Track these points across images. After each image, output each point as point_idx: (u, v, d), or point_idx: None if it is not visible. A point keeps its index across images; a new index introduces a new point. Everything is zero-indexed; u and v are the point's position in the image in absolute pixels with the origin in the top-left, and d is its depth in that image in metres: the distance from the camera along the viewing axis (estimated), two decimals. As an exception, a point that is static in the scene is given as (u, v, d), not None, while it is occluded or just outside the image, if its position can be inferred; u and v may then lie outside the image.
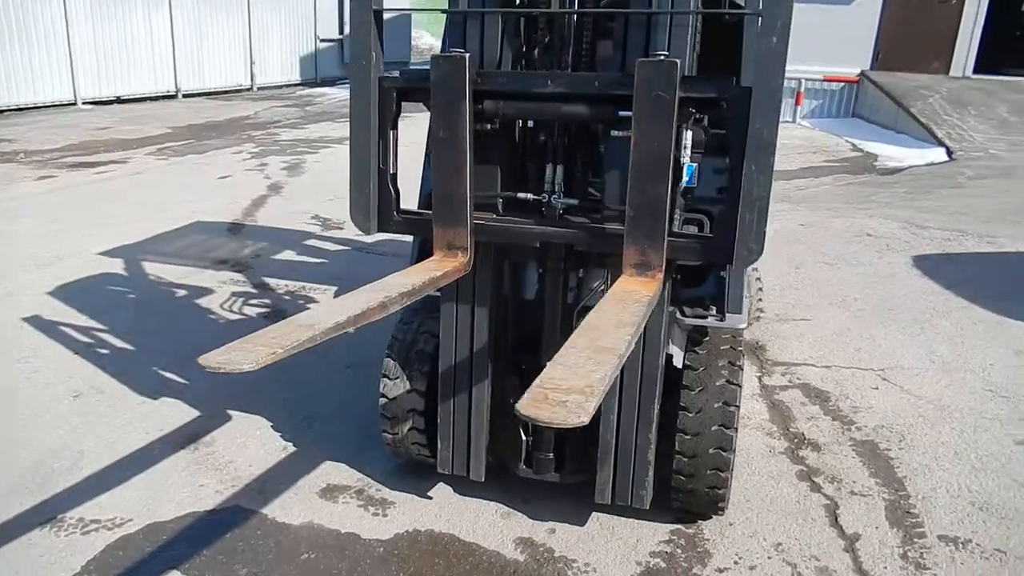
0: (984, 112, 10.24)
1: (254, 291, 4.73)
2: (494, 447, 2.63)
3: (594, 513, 2.64)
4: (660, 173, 2.03)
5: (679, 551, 2.48)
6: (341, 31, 19.37)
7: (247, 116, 12.77)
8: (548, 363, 1.45)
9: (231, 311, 4.40)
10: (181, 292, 4.66)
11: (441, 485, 2.80)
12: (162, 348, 3.88)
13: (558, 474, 2.58)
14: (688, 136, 2.14)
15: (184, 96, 14.91)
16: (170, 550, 2.47)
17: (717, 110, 2.11)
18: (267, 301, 4.56)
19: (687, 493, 2.47)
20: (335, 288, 4.78)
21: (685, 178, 2.20)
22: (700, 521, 2.60)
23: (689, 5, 2.12)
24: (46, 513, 2.62)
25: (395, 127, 2.35)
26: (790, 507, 2.70)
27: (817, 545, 2.50)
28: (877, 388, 3.58)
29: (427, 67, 2.42)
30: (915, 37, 12.61)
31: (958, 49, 12.53)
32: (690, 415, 2.38)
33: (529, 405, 1.25)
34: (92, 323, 4.17)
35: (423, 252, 2.78)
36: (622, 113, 2.10)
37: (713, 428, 2.37)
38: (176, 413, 3.29)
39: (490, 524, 2.61)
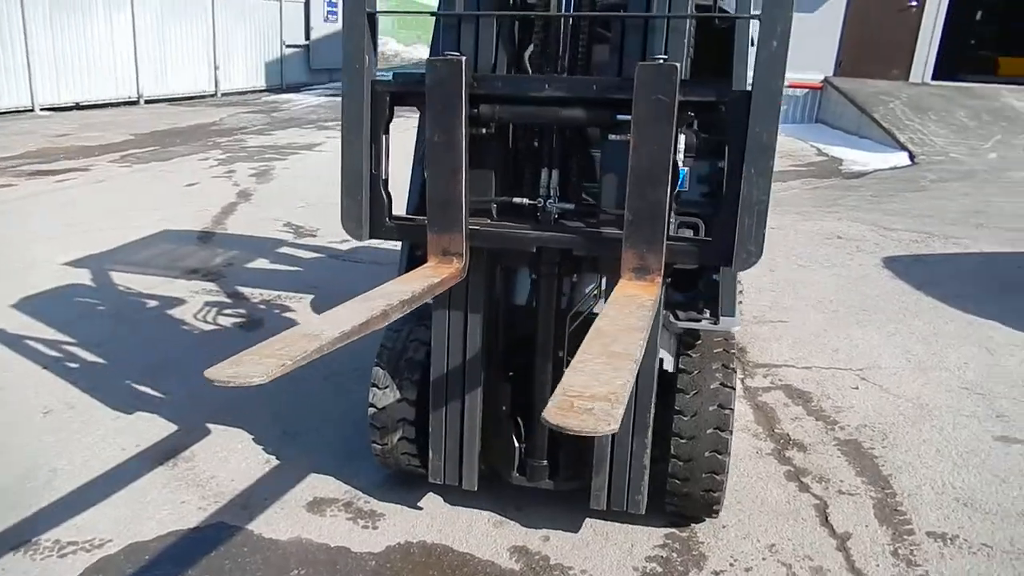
0: (944, 117, 10.50)
1: (228, 300, 4.64)
2: (485, 455, 2.60)
3: (587, 519, 2.63)
4: (659, 177, 2.02)
5: (674, 555, 2.47)
6: (307, 37, 19.23)
7: (212, 122, 12.57)
8: (567, 370, 1.43)
9: (205, 321, 4.31)
10: (152, 303, 4.55)
11: (431, 495, 2.76)
12: (135, 361, 3.78)
13: (552, 481, 2.56)
14: (681, 140, 2.14)
15: (146, 102, 14.64)
16: (153, 570, 2.39)
17: (714, 114, 2.11)
18: (242, 311, 4.47)
19: (682, 497, 2.47)
20: (311, 296, 4.71)
21: (678, 182, 2.20)
22: (693, 524, 2.60)
23: (684, 9, 2.12)
24: (19, 536, 2.52)
25: (387, 132, 2.31)
26: (780, 508, 2.72)
27: (810, 545, 2.52)
28: (857, 388, 3.62)
29: (416, 71, 2.39)
30: (876, 45, 12.90)
31: (917, 56, 12.84)
32: (685, 419, 2.38)
33: (556, 414, 1.23)
34: (60, 336, 4.04)
35: (412, 259, 2.75)
36: (620, 117, 2.09)
37: (708, 431, 2.37)
38: (153, 428, 3.19)
39: (483, 533, 2.58)
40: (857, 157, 9.59)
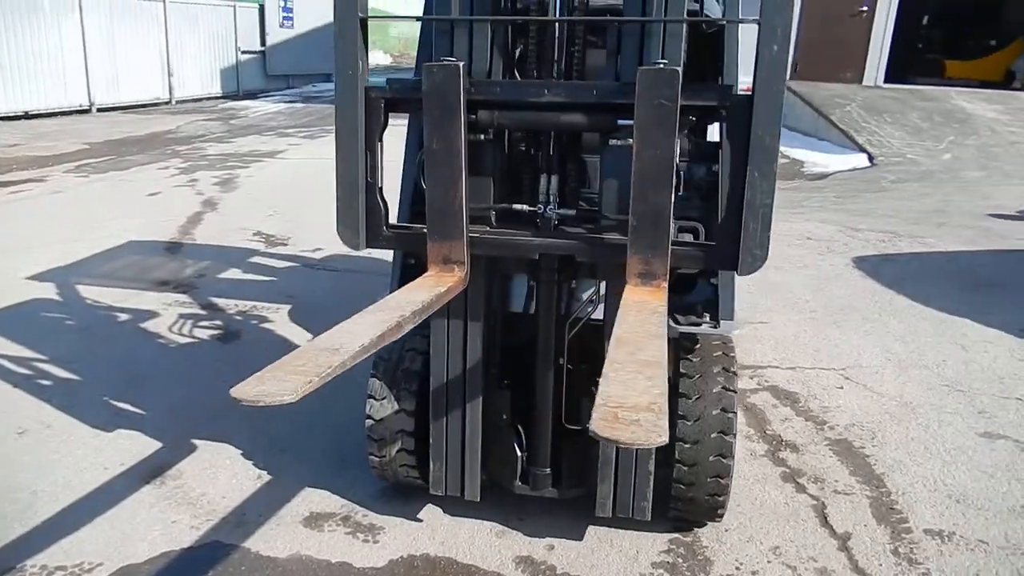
0: (899, 119, 10.78)
1: (202, 312, 4.52)
2: (486, 465, 2.56)
3: (590, 526, 2.61)
4: (663, 181, 2.02)
5: (680, 560, 2.46)
6: (263, 43, 18.95)
7: (169, 130, 12.30)
8: (601, 380, 1.41)
9: (181, 334, 4.19)
10: (124, 316, 4.41)
11: (429, 506, 2.71)
12: (110, 377, 3.65)
13: (556, 489, 2.54)
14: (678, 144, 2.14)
15: (99, 110, 14.26)
16: (149, 594, 2.31)
17: (715, 117, 2.12)
18: (218, 322, 4.36)
19: (687, 502, 2.46)
20: (288, 306, 4.62)
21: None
22: (696, 529, 2.60)
23: (680, 14, 2.12)
24: (3, 563, 2.41)
25: (382, 139, 2.27)
26: (780, 509, 2.73)
27: (812, 546, 2.54)
28: (842, 387, 3.68)
29: (406, 77, 2.36)
30: (829, 48, 13.19)
31: (869, 60, 13.16)
32: (689, 423, 2.38)
33: (604, 427, 1.20)
34: (30, 353, 3.89)
35: (405, 268, 2.71)
36: (621, 122, 2.08)
37: (713, 435, 2.37)
38: (135, 445, 3.09)
39: (486, 544, 2.54)
40: (818, 159, 9.79)
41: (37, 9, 13.02)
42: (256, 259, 5.61)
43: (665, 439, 1.19)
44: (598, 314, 2.62)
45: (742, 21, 2.22)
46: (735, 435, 2.41)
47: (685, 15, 2.14)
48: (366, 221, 2.27)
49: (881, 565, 2.44)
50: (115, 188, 7.94)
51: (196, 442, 3.12)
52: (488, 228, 2.27)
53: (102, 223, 6.43)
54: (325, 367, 1.46)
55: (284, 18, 19.62)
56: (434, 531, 2.60)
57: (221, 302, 4.67)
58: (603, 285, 2.46)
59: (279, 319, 4.42)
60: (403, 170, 2.69)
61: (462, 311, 2.40)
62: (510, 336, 2.57)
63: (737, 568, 2.43)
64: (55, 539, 2.52)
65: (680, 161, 2.27)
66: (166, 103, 16.08)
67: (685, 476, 2.41)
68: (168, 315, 4.45)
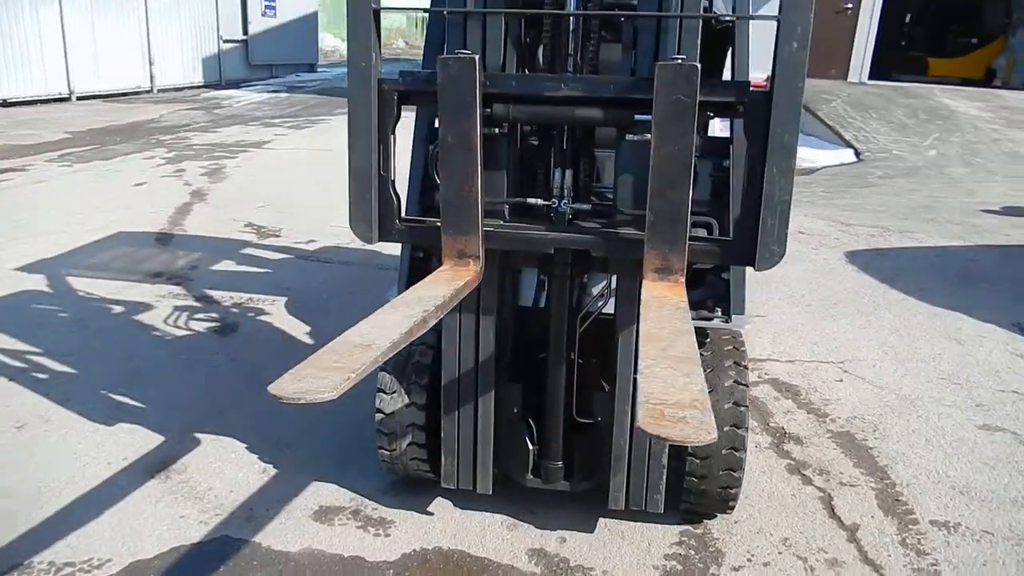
0: (884, 115, 10.88)
1: (198, 304, 4.47)
2: (496, 459, 2.56)
3: (600, 519, 2.62)
4: (681, 176, 2.02)
5: (692, 552, 2.48)
6: (245, 32, 18.73)
7: (152, 119, 12.13)
8: (639, 377, 1.41)
9: (177, 326, 4.14)
10: (118, 308, 4.35)
11: (439, 499, 2.71)
12: (108, 370, 3.60)
13: (568, 482, 2.54)
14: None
15: (79, 98, 14.02)
16: (160, 589, 2.28)
17: (732, 113, 2.12)
18: (214, 315, 4.32)
19: (699, 495, 2.48)
20: (285, 298, 4.58)
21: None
22: (706, 521, 2.62)
23: (697, 10, 2.12)
24: (10, 559, 2.37)
25: (395, 132, 2.25)
26: (787, 501, 2.76)
27: (822, 537, 2.56)
28: (841, 380, 3.71)
29: (414, 69, 2.34)
30: (815, 45, 13.10)
31: (854, 57, 13.28)
32: (702, 416, 2.38)
33: (652, 424, 1.21)
34: (23, 346, 3.83)
35: (414, 262, 2.70)
36: (638, 117, 2.08)
37: (725, 428, 2.38)
38: (137, 439, 3.05)
39: (498, 537, 2.54)
40: (806, 154, 9.85)
41: (15, -4, 12.78)
42: (249, 250, 5.55)
43: (715, 436, 1.20)
44: (607, 308, 2.63)
45: (763, 18, 2.22)
46: (747, 428, 2.43)
47: (701, 11, 2.14)
48: (379, 214, 2.25)
49: (890, 556, 2.47)
50: (100, 178, 7.82)
51: (199, 436, 3.09)
52: (501, 222, 2.26)
53: (89, 213, 6.33)
54: (360, 363, 1.45)
55: (267, 7, 19.41)
56: (445, 524, 2.59)
57: (216, 294, 4.62)
58: (614, 279, 2.47)
59: (276, 311, 4.38)
60: (411, 163, 2.68)
61: (474, 305, 2.39)
62: (521, 330, 2.57)
63: (749, 559, 2.45)
64: (61, 535, 2.49)
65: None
66: (147, 92, 15.86)
67: (698, 469, 2.42)
68: (163, 307, 4.39)
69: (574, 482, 2.54)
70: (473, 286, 2.16)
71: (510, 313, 2.52)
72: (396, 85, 2.20)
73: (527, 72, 2.35)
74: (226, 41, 18.14)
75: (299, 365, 1.48)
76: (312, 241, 5.72)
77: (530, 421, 2.55)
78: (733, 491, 2.46)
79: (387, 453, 2.62)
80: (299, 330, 4.14)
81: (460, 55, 2.09)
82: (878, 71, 13.88)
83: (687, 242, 2.08)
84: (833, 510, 2.71)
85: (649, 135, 2.01)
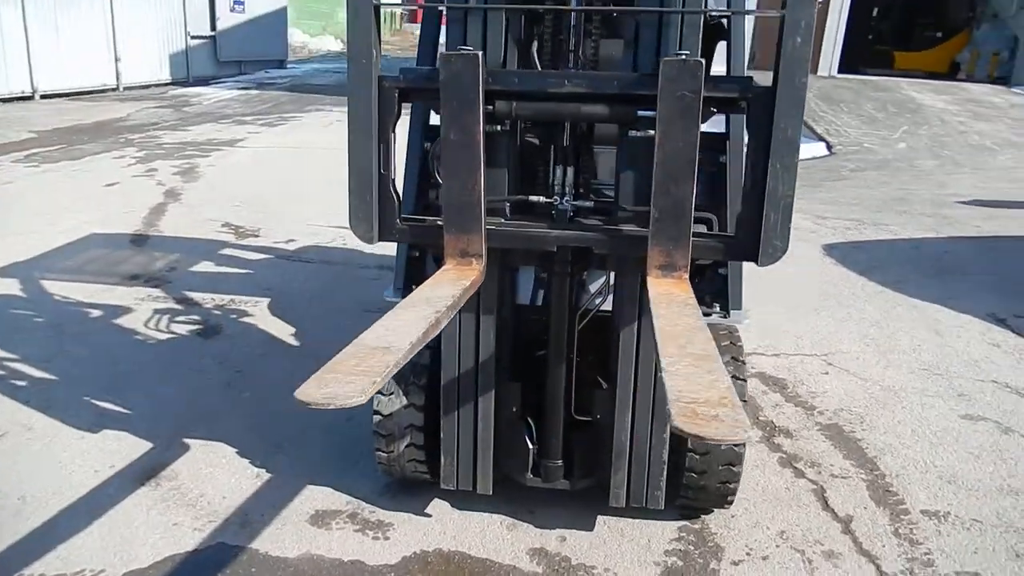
0: (854, 109, 11.04)
1: (178, 307, 4.40)
2: (496, 458, 2.55)
3: (599, 516, 2.62)
4: (685, 173, 2.02)
5: (691, 548, 2.49)
6: (213, 28, 18.40)
7: (120, 118, 11.89)
8: (664, 375, 1.41)
9: (158, 330, 4.07)
10: (96, 312, 4.26)
11: (436, 501, 2.69)
12: (89, 376, 3.53)
13: (568, 481, 2.54)
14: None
15: (42, 97, 13.67)
16: (157, 599, 2.24)
17: (734, 109, 2.13)
18: (196, 317, 4.25)
19: (698, 490, 2.49)
20: (268, 300, 4.52)
21: None
22: (703, 516, 2.64)
23: (700, 5, 2.13)
24: (-1, 572, 2.32)
25: (395, 130, 2.22)
26: (781, 494, 2.79)
27: (817, 530, 2.59)
28: (827, 373, 3.76)
29: (410, 66, 2.31)
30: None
31: (824, 50, 13.46)
32: (701, 413, 2.40)
33: (686, 423, 1.21)
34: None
35: (411, 261, 2.67)
36: (642, 113, 2.08)
37: (724, 424, 2.39)
38: (124, 446, 2.99)
39: (498, 537, 2.53)
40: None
41: (-26, -9, 12.43)
42: (228, 251, 5.47)
43: (749, 434, 1.20)
44: (605, 306, 2.64)
45: (766, 15, 2.23)
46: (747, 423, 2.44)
47: (704, 6, 2.15)
48: (379, 214, 2.22)
49: (884, 546, 2.51)
50: (70, 178, 7.64)
51: (188, 442, 3.03)
52: (503, 220, 2.25)
53: (60, 215, 6.19)
54: (384, 366, 1.43)
55: (235, 2, 19.09)
56: (444, 526, 2.58)
57: (197, 296, 4.54)
58: (612, 276, 2.47)
59: (259, 313, 4.32)
60: (406, 162, 2.65)
61: (474, 305, 2.37)
62: (519, 329, 2.56)
63: (748, 553, 2.47)
64: (50, 546, 2.43)
65: None
66: (113, 89, 15.52)
67: (698, 465, 2.43)
68: (142, 310, 4.31)
69: (574, 480, 2.54)
70: (478, 285, 2.14)
71: (509, 312, 2.51)
72: (397, 82, 2.18)
73: (527, 69, 2.34)
74: (194, 37, 17.81)
75: (321, 370, 1.45)
76: (291, 241, 5.65)
77: (529, 420, 2.54)
78: (732, 486, 2.48)
79: (385, 455, 2.60)
80: (284, 331, 4.09)
81: (463, 51, 2.07)
82: (848, 65, 14.08)
83: (691, 238, 2.09)
84: (827, 502, 2.74)
85: (651, 131, 2.01)
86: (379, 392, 2.54)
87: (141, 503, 2.66)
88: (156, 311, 4.30)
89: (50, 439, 3.02)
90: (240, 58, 19.43)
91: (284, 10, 20.91)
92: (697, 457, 2.42)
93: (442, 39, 2.55)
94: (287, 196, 6.85)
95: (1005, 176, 8.69)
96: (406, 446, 2.57)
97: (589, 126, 2.30)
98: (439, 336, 2.45)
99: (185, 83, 17.31)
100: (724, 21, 2.60)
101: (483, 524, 2.59)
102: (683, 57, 1.99)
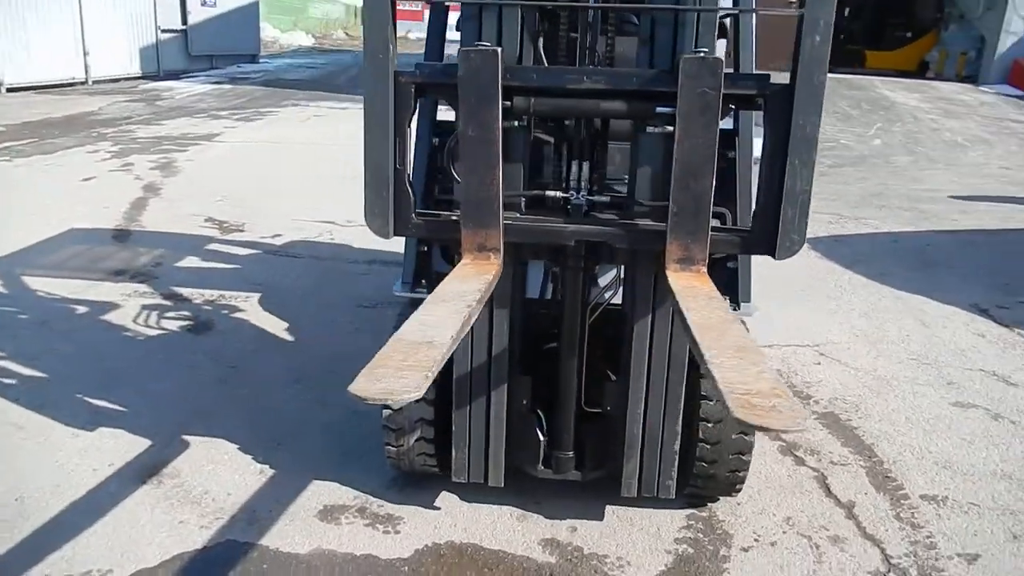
0: (829, 106, 11.17)
1: (167, 303, 4.33)
2: (507, 450, 2.55)
3: (607, 506, 2.64)
4: (704, 168, 2.04)
5: (701, 535, 2.52)
6: (184, 21, 18.11)
7: (91, 112, 11.65)
8: (711, 367, 1.42)
9: (148, 326, 4.01)
10: (82, 309, 4.17)
11: (444, 494, 2.69)
12: (80, 373, 3.46)
13: (579, 472, 2.55)
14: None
15: (8, 90, 13.35)
16: (169, 598, 2.21)
17: (752, 106, 2.15)
18: (186, 313, 4.19)
19: (708, 479, 2.52)
20: (258, 295, 4.46)
21: None
22: (710, 504, 2.67)
23: (715, 3, 2.14)
24: (2, 574, 2.27)
25: (411, 125, 2.21)
26: (784, 482, 2.83)
27: (822, 515, 2.64)
28: (819, 363, 3.82)
29: (418, 61, 2.30)
30: (762, 37, 13.57)
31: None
32: (711, 403, 2.42)
33: (747, 414, 1.22)
34: (-14, 349, 3.65)
35: (421, 256, 2.67)
36: (660, 109, 2.09)
37: (734, 414, 2.42)
38: (122, 444, 2.94)
39: (509, 529, 2.54)
40: (757, 143, 10.07)
41: (-63, -19, 12.10)
42: (213, 246, 5.39)
43: (808, 423, 1.22)
44: (615, 299, 2.65)
45: (788, 13, 2.25)
46: (754, 412, 2.47)
47: (718, 4, 2.17)
48: (395, 209, 2.21)
49: (887, 531, 2.56)
50: (44, 173, 7.48)
51: (187, 438, 2.99)
52: (518, 215, 2.25)
53: (37, 210, 6.05)
54: (431, 361, 1.44)
55: (206, -4, 18.82)
56: (454, 519, 2.58)
57: (185, 291, 4.48)
58: (622, 270, 2.48)
59: (251, 308, 4.27)
60: (414, 157, 2.64)
61: (488, 298, 2.37)
62: (529, 322, 2.56)
63: (756, 539, 2.51)
64: (53, 547, 2.38)
65: None
66: (82, 83, 15.19)
67: (708, 454, 2.45)
68: (130, 306, 4.24)
69: (585, 471, 2.55)
70: (497, 279, 2.14)
71: (521, 305, 2.51)
72: (413, 77, 2.16)
73: (542, 65, 2.33)
74: (164, 31, 17.50)
75: (369, 365, 1.45)
76: (278, 236, 5.59)
77: (539, 413, 2.55)
78: (741, 474, 2.51)
79: (394, 449, 2.58)
80: (277, 326, 4.05)
81: (481, 47, 2.06)
82: (819, 63, 14.24)
83: (709, 232, 2.11)
84: (829, 489, 2.79)
85: (668, 127, 2.03)
86: (388, 387, 2.53)
87: (144, 501, 2.62)
88: (144, 307, 4.23)
89: (45, 438, 2.96)
90: (212, 52, 19.14)
91: (256, 5, 20.62)
92: (708, 447, 2.45)
93: (451, 35, 2.54)
94: (269, 191, 6.77)
95: (977, 172, 8.89)
96: (416, 440, 2.56)
97: (604, 122, 2.31)
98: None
99: (156, 77, 17.00)
100: (725, 20, 2.63)
101: (493, 516, 2.59)
102: (702, 54, 2.00)
